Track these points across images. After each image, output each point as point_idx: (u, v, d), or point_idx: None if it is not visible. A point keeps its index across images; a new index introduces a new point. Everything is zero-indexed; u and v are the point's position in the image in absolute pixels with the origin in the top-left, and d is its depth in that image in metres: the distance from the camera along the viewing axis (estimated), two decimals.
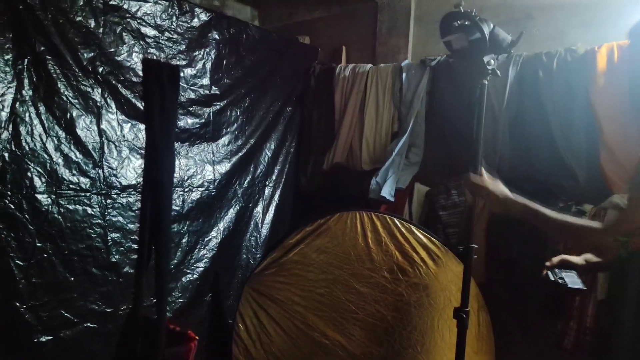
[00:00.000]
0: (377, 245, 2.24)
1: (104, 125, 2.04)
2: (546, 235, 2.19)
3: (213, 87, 2.50)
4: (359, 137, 2.88)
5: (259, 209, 2.83)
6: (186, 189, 2.39)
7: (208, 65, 2.45)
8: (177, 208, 2.33)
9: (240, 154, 2.69)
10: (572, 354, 2.15)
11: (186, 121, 2.38)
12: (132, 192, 2.15)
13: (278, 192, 2.94)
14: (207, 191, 2.49)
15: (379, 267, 2.23)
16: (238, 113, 2.67)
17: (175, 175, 2.34)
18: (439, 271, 2.17)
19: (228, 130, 2.62)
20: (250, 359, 2.27)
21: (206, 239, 2.50)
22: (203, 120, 2.46)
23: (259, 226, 2.82)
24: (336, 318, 2.24)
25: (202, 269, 2.44)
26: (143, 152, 2.17)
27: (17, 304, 1.74)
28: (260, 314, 2.30)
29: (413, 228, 2.23)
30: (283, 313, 2.28)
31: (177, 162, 2.36)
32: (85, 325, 1.96)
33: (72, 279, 1.90)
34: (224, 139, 2.60)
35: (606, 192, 2.13)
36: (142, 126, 2.18)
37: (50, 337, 1.83)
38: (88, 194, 2.00)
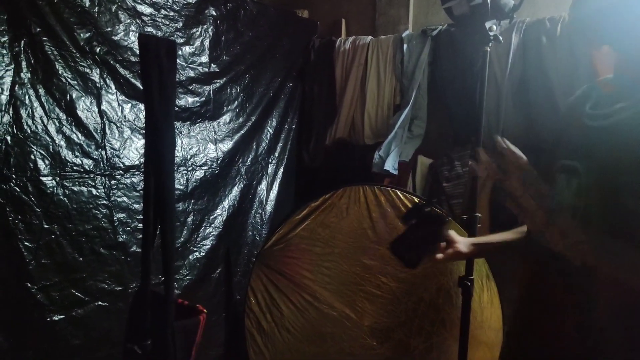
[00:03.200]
0: (382, 218, 2.25)
1: (104, 106, 2.03)
2: None
3: (212, 64, 2.47)
4: (360, 111, 2.86)
5: (263, 186, 2.84)
6: (189, 168, 2.39)
7: (206, 43, 2.42)
8: (181, 187, 2.34)
9: (242, 131, 2.68)
10: None
11: (186, 100, 2.37)
12: (136, 173, 2.16)
13: (281, 169, 2.94)
14: (210, 170, 2.49)
15: (383, 240, 2.24)
16: (238, 90, 2.65)
17: (178, 154, 2.36)
18: None
19: (229, 108, 2.61)
20: (262, 331, 2.32)
21: (212, 217, 2.52)
22: (203, 99, 2.45)
23: (264, 203, 2.83)
24: (343, 290, 2.27)
25: (208, 246, 2.47)
26: (144, 131, 2.18)
27: (28, 285, 1.77)
28: (270, 288, 2.34)
29: (416, 200, 2.23)
30: (292, 287, 2.31)
31: (179, 141, 2.37)
32: (96, 303, 1.99)
33: (81, 259, 1.93)
34: (225, 117, 2.59)
35: None
36: (142, 106, 2.18)
37: (62, 316, 1.86)
38: (92, 175, 2.00)
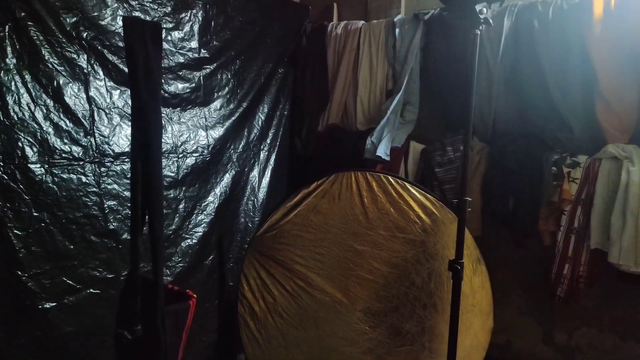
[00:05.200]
0: (373, 204, 2.25)
1: (92, 93, 2.01)
2: (541, 189, 2.20)
3: (202, 50, 2.44)
4: (353, 97, 2.85)
5: (255, 173, 2.83)
6: (180, 155, 2.38)
7: (196, 28, 2.39)
8: (172, 174, 2.33)
9: (233, 118, 2.66)
10: (565, 302, 2.21)
11: (176, 86, 2.35)
12: (126, 160, 2.14)
13: (273, 156, 2.93)
14: (201, 157, 2.48)
15: (375, 225, 2.25)
16: (229, 76, 2.62)
17: (168, 141, 2.34)
18: (434, 227, 2.19)
19: (219, 94, 2.58)
20: (255, 317, 2.33)
21: (203, 204, 2.51)
22: (194, 85, 2.42)
23: (256, 190, 2.83)
24: (336, 276, 2.28)
25: (200, 233, 2.46)
26: None
27: (19, 273, 1.76)
28: (263, 274, 2.34)
29: (407, 185, 2.23)
30: (285, 273, 2.31)
31: (169, 128, 2.35)
32: (88, 291, 1.99)
33: (72, 246, 1.92)
34: (216, 104, 2.57)
35: (601, 142, 2.12)
36: None
37: (54, 304, 1.86)
38: (81, 163, 1.98)
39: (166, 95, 2.31)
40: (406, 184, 2.23)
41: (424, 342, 2.22)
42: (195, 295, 1.13)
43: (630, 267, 1.96)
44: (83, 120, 1.97)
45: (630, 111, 2.04)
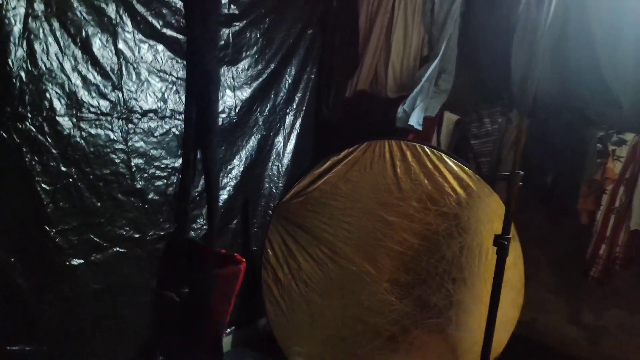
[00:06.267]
0: (406, 175, 2.18)
1: (120, 45, 1.92)
2: (583, 166, 2.12)
3: (232, 5, 2.32)
4: (384, 63, 2.73)
5: (280, 137, 2.75)
6: None
7: None
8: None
9: (260, 79, 2.56)
10: (599, 283, 2.16)
11: None
12: (153, 117, 2.07)
13: (299, 121, 2.84)
14: (228, 118, 2.40)
15: (407, 196, 2.18)
16: (258, 35, 2.51)
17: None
18: (469, 200, 2.12)
19: (248, 53, 2.47)
20: (279, 283, 2.30)
21: (229, 167, 2.45)
22: (222, 42, 2.31)
23: (281, 155, 2.76)
24: (363, 246, 2.23)
25: (225, 197, 2.41)
26: (162, 74, 2.08)
27: (47, 228, 1.73)
28: (288, 240, 2.30)
29: (444, 156, 2.15)
30: (311, 240, 2.27)
31: None
32: (114, 249, 1.96)
33: (99, 204, 1.87)
34: (244, 63, 2.46)
35: None
36: (160, 47, 2.06)
37: (81, 261, 1.83)
38: (109, 118, 1.92)
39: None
40: (442, 155, 2.15)
41: (450, 315, 2.19)
42: (244, 260, 1.08)
43: None
44: (111, 74, 1.89)
45: None
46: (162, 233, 2.05)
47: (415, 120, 2.47)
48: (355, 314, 2.25)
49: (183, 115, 2.06)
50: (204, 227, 2.29)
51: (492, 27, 2.39)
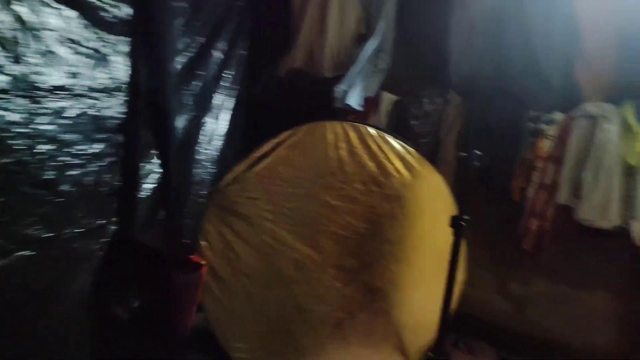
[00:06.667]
0: (350, 157, 2.12)
1: (20, 8, 1.60)
2: (517, 145, 2.19)
3: None
4: (320, 40, 2.61)
5: (211, 118, 2.53)
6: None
7: None
8: (119, 115, 1.99)
9: (186, 53, 2.32)
10: (532, 257, 2.27)
11: (121, 9, 1.96)
12: (63, 95, 1.77)
13: (230, 101, 2.64)
14: None
15: (350, 179, 2.12)
16: (184, 4, 2.26)
17: (113, 76, 1.98)
18: (413, 181, 2.11)
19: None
20: (215, 276, 2.13)
21: (153, 151, 2.20)
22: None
23: (211, 138, 2.54)
24: (307, 232, 2.14)
25: (151, 185, 2.16)
26: (73, 45, 1.78)
27: None
28: (224, 230, 2.14)
29: (388, 137, 2.11)
30: (250, 229, 2.13)
31: (112, 59, 1.98)
32: (20, 253, 1.66)
33: (2, 199, 1.57)
34: None
35: (578, 100, 2.14)
36: (73, 13, 1.76)
37: None
38: (7, 96, 1.60)
39: (113, 19, 1.93)
40: (386, 135, 2.11)
41: (395, 297, 2.18)
42: (204, 262, 0.92)
43: (596, 221, 2.03)
44: (9, 42, 1.57)
45: (608, 72, 2.06)
46: (81, 230, 1.80)
47: (355, 100, 2.40)
48: (300, 304, 2.16)
49: (103, 94, 1.79)
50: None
51: (430, 6, 2.37)
